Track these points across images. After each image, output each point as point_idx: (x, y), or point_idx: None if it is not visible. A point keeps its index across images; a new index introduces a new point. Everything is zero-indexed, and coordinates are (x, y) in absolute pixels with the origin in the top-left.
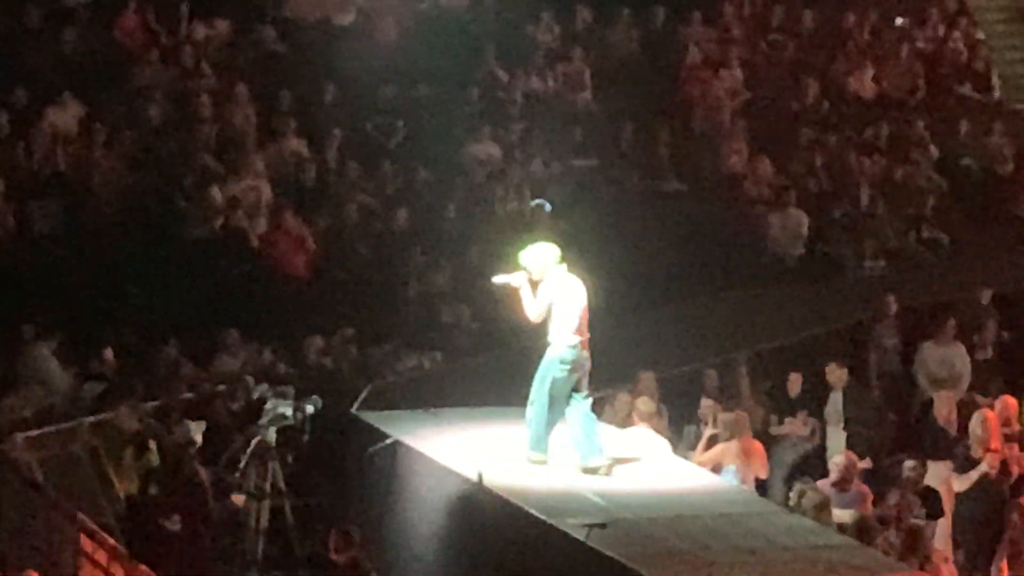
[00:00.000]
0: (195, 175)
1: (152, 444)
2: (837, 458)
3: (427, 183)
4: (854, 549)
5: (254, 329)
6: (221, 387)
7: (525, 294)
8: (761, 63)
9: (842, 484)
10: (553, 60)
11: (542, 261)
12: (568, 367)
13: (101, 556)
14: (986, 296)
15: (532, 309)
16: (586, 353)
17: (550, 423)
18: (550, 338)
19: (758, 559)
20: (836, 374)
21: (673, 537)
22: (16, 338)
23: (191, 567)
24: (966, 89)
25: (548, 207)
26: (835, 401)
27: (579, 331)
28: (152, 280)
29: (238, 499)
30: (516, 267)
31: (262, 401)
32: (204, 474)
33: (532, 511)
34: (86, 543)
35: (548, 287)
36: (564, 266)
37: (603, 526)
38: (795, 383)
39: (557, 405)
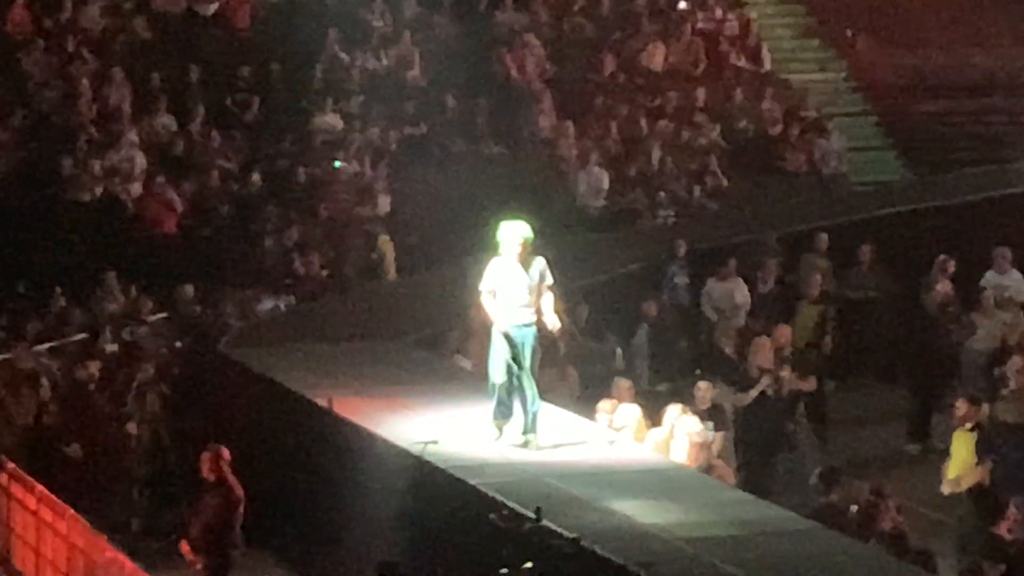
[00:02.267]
0: (78, 148)
1: (45, 380)
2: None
3: (279, 150)
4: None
5: (132, 280)
6: (105, 329)
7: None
8: (565, 42)
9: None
10: (386, 42)
11: (519, 237)
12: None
13: (31, 502)
14: (771, 238)
15: (525, 288)
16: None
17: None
18: (529, 318)
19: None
20: (649, 308)
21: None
22: None
23: (88, 487)
24: (741, 62)
25: (338, 164)
26: (641, 334)
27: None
28: (42, 240)
29: (132, 427)
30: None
31: (141, 341)
32: (102, 406)
33: (377, 432)
34: (15, 489)
35: (544, 265)
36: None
37: (435, 442)
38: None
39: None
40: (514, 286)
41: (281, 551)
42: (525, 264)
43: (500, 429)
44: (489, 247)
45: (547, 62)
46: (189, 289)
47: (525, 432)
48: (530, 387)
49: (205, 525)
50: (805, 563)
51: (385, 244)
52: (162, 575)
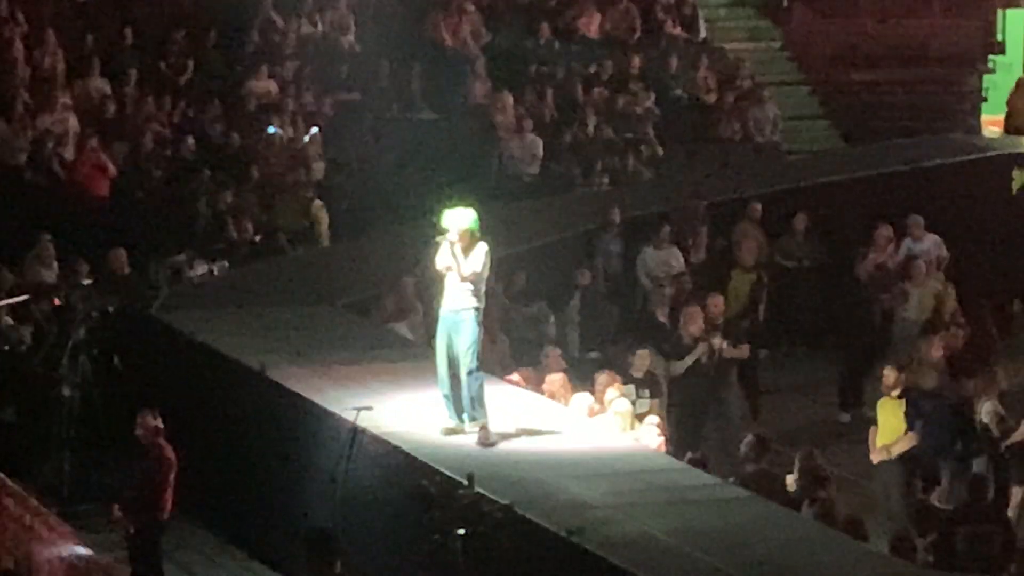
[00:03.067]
0: (11, 111)
1: None
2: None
3: (213, 115)
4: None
5: (65, 243)
6: (38, 292)
7: (456, 254)
8: (500, 8)
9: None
10: (322, 6)
11: (465, 223)
12: (480, 330)
13: None
14: (701, 205)
15: (469, 267)
16: None
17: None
18: (469, 303)
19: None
20: (582, 276)
21: None
22: None
23: (20, 452)
24: (676, 30)
25: (315, 130)
26: (574, 302)
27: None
28: None
29: (66, 390)
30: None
31: (73, 304)
32: (34, 369)
33: (310, 397)
34: None
35: (482, 251)
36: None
37: (369, 408)
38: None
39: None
40: (453, 272)
41: (211, 518)
42: (466, 251)
43: (459, 429)
44: (421, 214)
45: (483, 28)
46: (121, 252)
47: (461, 416)
48: (465, 371)
49: (137, 488)
50: (734, 530)
51: (319, 210)
52: (92, 538)
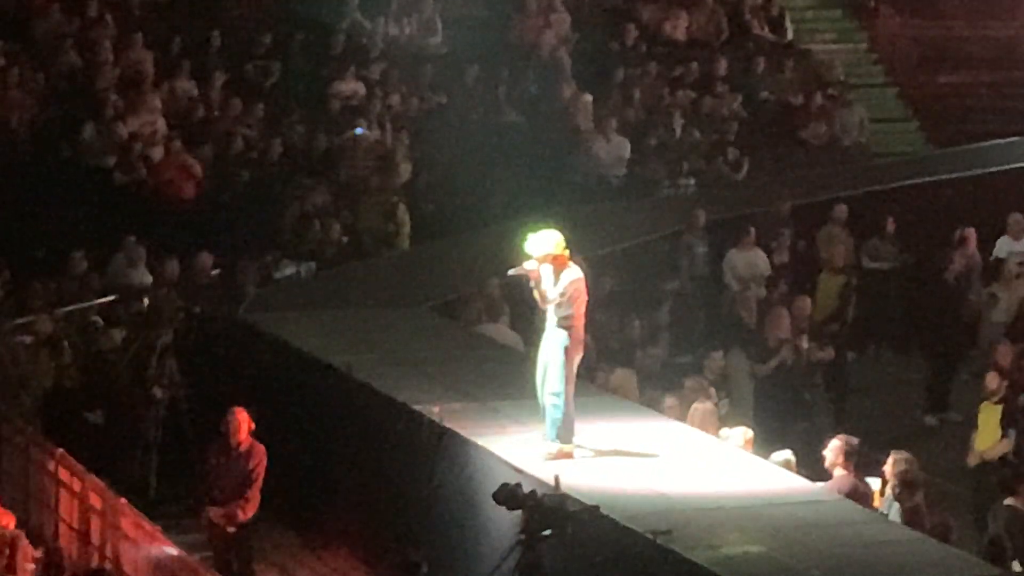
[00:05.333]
0: (100, 113)
1: (65, 345)
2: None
3: (300, 116)
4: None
5: (152, 245)
6: (126, 294)
7: (544, 279)
8: (587, 11)
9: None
10: (409, 9)
11: (548, 247)
12: (562, 355)
13: (76, 485)
14: (787, 208)
15: (550, 293)
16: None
17: (570, 410)
18: (556, 324)
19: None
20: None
21: None
22: None
23: (108, 453)
24: (763, 32)
25: (360, 131)
26: (664, 307)
27: (582, 316)
28: (61, 205)
29: (157, 392)
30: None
31: (160, 306)
32: (123, 371)
33: (397, 398)
34: (63, 473)
35: (571, 273)
36: (567, 252)
37: (455, 408)
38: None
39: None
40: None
41: (296, 517)
42: (556, 273)
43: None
44: (507, 216)
45: (569, 31)
46: (207, 254)
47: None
48: (548, 391)
49: (231, 487)
50: (820, 532)
51: (402, 213)
52: (179, 538)
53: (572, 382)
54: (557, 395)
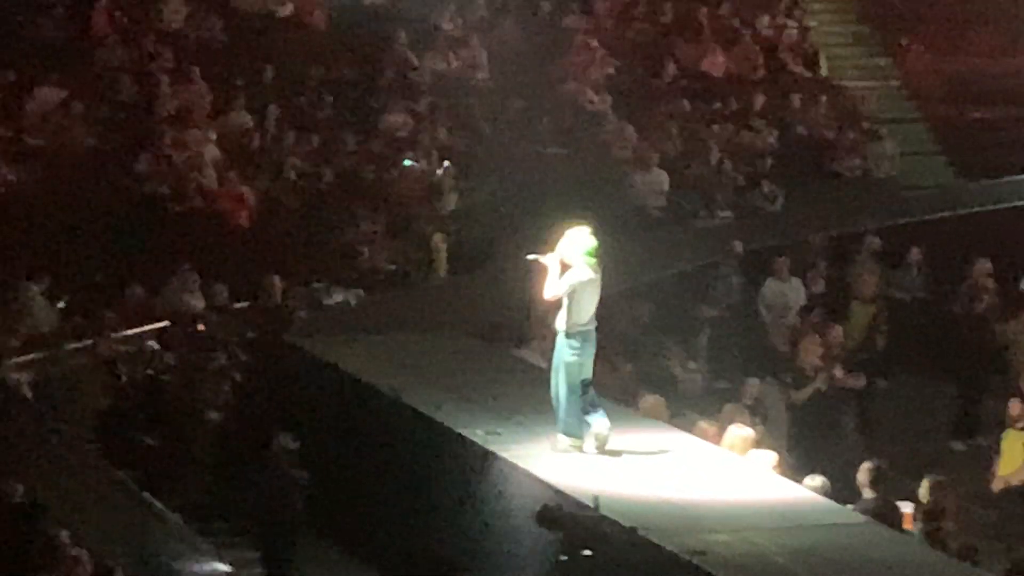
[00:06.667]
0: (157, 144)
1: (122, 368)
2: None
3: (350, 148)
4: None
5: (205, 271)
6: (181, 319)
7: (551, 274)
8: (627, 47)
9: None
10: (455, 45)
11: (576, 247)
12: (579, 351)
13: None
14: (820, 239)
15: (551, 290)
16: (594, 337)
17: (576, 408)
18: (559, 325)
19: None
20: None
21: None
22: (9, 279)
23: (162, 472)
24: (798, 68)
25: (447, 164)
26: (703, 335)
27: (590, 320)
28: (118, 231)
29: (211, 415)
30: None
31: (214, 330)
32: (177, 394)
33: (442, 421)
34: None
35: (574, 275)
36: (594, 258)
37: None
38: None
39: (577, 389)
40: (580, 295)
41: (344, 538)
42: (563, 273)
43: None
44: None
45: (609, 66)
46: (259, 280)
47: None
48: (560, 389)
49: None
50: (851, 555)
51: (440, 242)
52: (230, 555)
53: (578, 377)
54: (560, 393)
